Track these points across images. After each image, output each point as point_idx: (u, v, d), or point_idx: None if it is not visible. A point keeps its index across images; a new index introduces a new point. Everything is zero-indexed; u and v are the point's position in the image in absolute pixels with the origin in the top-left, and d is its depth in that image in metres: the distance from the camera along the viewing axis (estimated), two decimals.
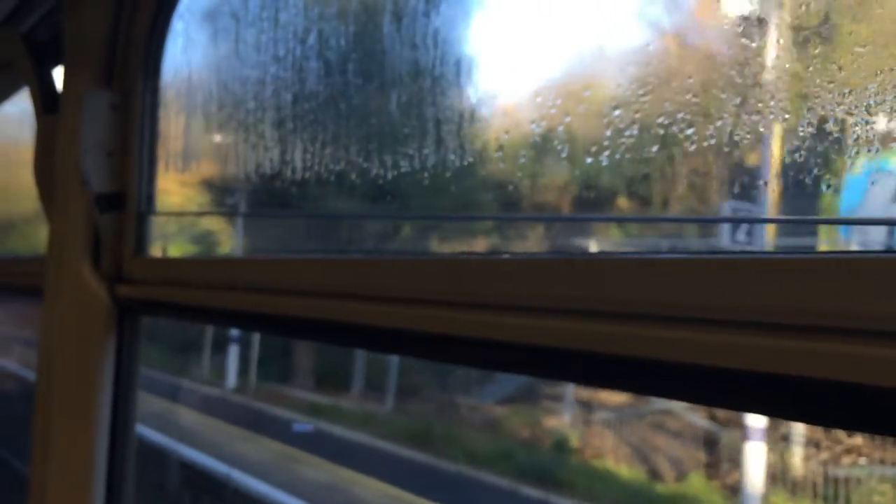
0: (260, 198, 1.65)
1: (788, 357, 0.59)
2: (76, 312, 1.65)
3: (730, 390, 0.65)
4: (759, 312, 0.61)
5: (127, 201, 1.61)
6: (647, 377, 0.70)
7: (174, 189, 1.88)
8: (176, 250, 1.88)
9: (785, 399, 0.61)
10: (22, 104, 2.38)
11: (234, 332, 8.86)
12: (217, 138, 1.69)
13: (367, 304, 1.02)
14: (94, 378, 1.62)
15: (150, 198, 1.61)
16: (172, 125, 1.71)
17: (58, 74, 1.88)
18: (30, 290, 2.06)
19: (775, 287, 0.60)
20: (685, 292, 0.66)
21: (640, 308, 0.68)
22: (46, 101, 1.83)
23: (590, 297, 0.73)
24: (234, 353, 10.08)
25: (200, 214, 1.95)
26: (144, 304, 1.61)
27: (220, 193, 1.87)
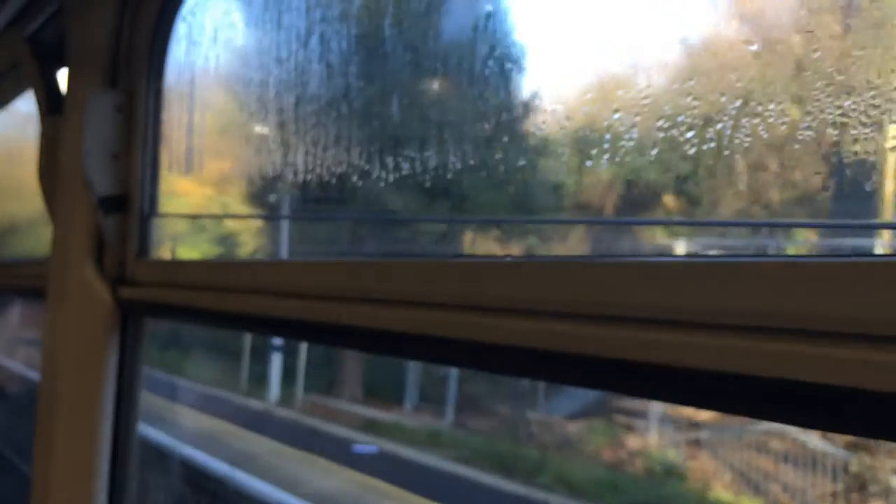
0: (310, 196, 1.50)
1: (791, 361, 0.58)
2: (79, 314, 1.65)
3: (742, 395, 0.64)
4: (781, 318, 0.60)
5: (130, 203, 1.61)
6: (661, 382, 0.69)
7: (195, 190, 1.83)
8: (194, 252, 1.87)
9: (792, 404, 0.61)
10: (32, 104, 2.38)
11: (277, 340, 8.42)
12: (258, 132, 1.58)
13: (375, 308, 1.01)
14: (97, 379, 1.63)
15: (153, 200, 1.61)
16: (199, 120, 1.67)
17: (62, 76, 1.89)
18: (34, 292, 2.06)
19: (787, 291, 0.60)
20: (696, 296, 0.65)
21: (650, 312, 0.68)
22: (50, 102, 1.83)
23: (593, 301, 0.73)
24: (276, 362, 9.43)
25: (209, 217, 1.94)
26: (147, 305, 1.61)
27: (260, 193, 1.73)
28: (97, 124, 1.59)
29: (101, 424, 1.64)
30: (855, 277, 0.56)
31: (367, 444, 7.46)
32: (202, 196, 1.94)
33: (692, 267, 0.66)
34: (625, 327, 0.69)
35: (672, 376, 0.66)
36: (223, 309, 1.40)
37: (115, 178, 1.59)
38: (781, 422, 0.65)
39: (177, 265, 1.63)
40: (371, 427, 7.94)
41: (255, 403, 9.09)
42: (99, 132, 1.59)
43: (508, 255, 0.94)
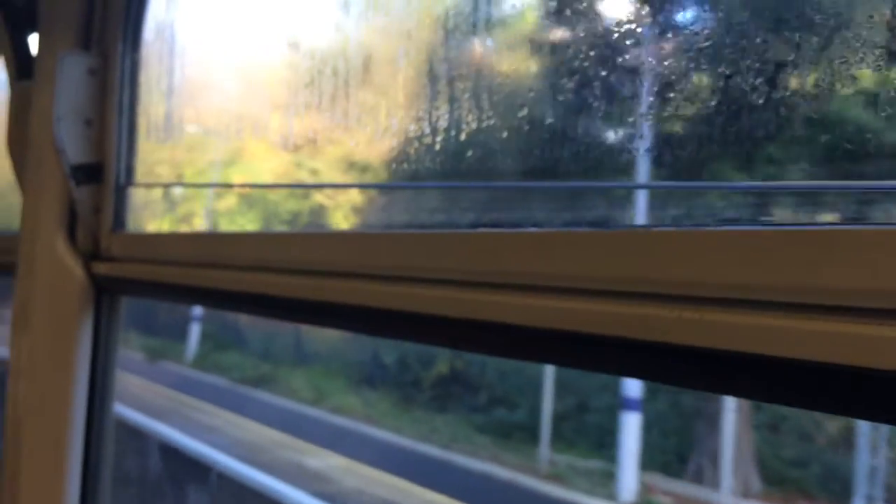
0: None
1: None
2: (51, 291, 1.56)
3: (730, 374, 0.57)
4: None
5: (105, 173, 1.51)
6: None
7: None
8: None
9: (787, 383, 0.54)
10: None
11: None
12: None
13: (360, 283, 0.94)
14: (69, 360, 1.54)
15: (129, 169, 1.52)
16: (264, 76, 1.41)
17: (33, 40, 1.78)
18: (2, 268, 1.97)
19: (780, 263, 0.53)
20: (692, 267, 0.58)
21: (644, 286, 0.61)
22: (20, 66, 1.73)
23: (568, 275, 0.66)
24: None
25: (188, 186, 1.81)
26: (123, 282, 1.52)
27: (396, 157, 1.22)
28: (69, 88, 1.49)
29: (73, 406, 1.56)
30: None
31: None
32: (282, 162, 1.54)
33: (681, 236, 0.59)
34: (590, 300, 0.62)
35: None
36: (204, 286, 1.31)
37: (89, 145, 1.50)
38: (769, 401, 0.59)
39: (154, 239, 1.55)
40: None
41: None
42: (71, 97, 1.49)
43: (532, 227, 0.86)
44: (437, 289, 0.79)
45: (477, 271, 0.75)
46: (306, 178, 1.36)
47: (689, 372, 0.61)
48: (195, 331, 11.75)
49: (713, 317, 0.59)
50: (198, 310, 10.56)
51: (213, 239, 1.42)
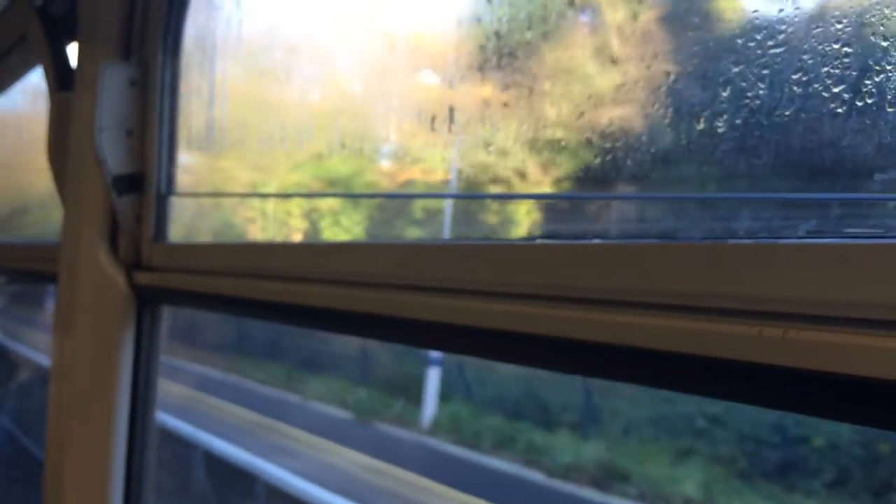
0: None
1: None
2: (92, 301, 1.56)
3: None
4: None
5: (146, 183, 1.51)
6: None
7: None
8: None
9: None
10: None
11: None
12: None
13: (411, 294, 0.92)
14: (111, 369, 1.54)
15: (170, 179, 1.52)
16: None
17: (73, 50, 1.79)
18: (45, 277, 1.98)
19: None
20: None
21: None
22: (60, 77, 1.74)
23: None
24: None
25: (232, 196, 1.80)
26: (165, 292, 1.52)
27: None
28: (110, 99, 1.49)
29: (116, 415, 1.56)
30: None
31: None
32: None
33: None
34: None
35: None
36: (246, 296, 1.30)
37: (130, 155, 1.50)
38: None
39: (195, 249, 1.54)
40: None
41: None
42: (112, 107, 1.49)
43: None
44: (495, 302, 0.77)
45: (539, 284, 0.72)
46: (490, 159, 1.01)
47: (771, 392, 0.59)
48: (433, 380, 7.41)
49: (797, 335, 0.56)
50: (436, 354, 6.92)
51: (254, 249, 1.41)
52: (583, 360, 0.69)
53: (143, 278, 1.51)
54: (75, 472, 1.62)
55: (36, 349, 4.47)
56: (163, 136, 1.50)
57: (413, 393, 7.39)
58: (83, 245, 1.57)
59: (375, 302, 0.98)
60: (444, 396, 7.43)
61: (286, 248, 1.34)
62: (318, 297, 1.11)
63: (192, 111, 1.54)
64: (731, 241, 0.61)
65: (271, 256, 1.28)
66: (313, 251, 1.22)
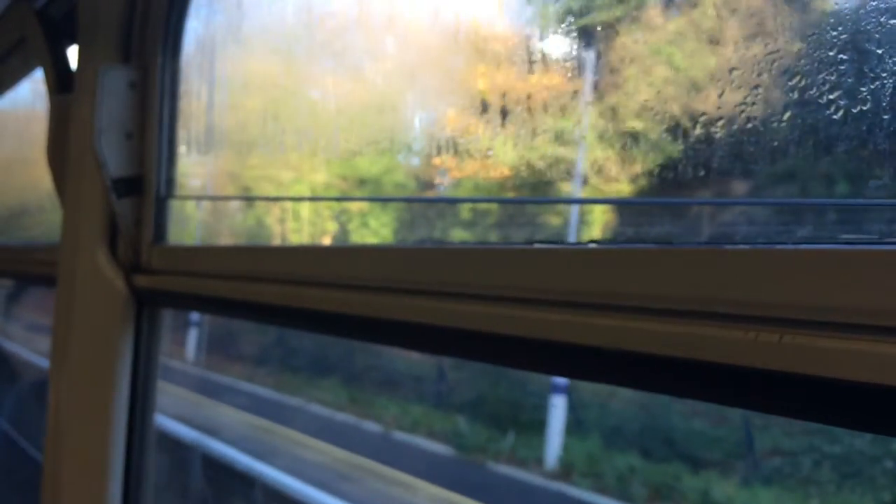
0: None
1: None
2: (91, 303, 1.56)
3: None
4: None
5: (146, 185, 1.51)
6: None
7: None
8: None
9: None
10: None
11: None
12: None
13: (410, 299, 0.92)
14: (109, 372, 1.54)
15: (170, 182, 1.52)
16: None
17: (72, 53, 1.79)
18: (43, 279, 1.98)
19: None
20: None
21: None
22: (60, 79, 1.74)
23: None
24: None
25: (234, 199, 1.81)
26: (164, 295, 1.52)
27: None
28: (110, 101, 1.50)
29: (114, 418, 1.56)
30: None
31: None
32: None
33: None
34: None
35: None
36: (245, 299, 1.30)
37: (130, 158, 1.50)
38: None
39: (195, 252, 1.54)
40: None
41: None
42: (112, 110, 1.49)
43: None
44: (491, 306, 0.77)
45: (537, 288, 0.72)
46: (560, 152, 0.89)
47: (767, 396, 0.59)
48: (558, 410, 5.78)
49: (793, 340, 0.56)
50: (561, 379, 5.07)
51: (253, 252, 1.41)
52: (578, 364, 0.69)
53: (142, 281, 1.51)
54: (73, 475, 1.61)
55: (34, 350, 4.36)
56: (162, 138, 1.50)
57: (515, 423, 5.87)
58: (82, 247, 1.57)
59: (376, 305, 0.98)
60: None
61: (285, 252, 1.34)
62: (318, 300, 1.11)
63: (222, 104, 1.52)
64: (728, 247, 0.61)
65: (270, 259, 1.28)
66: (313, 254, 1.22)
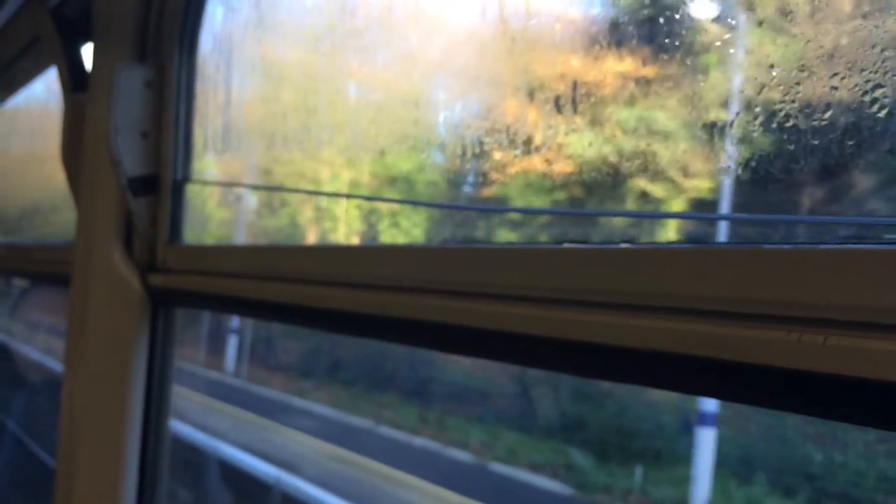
0: None
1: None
2: (106, 302, 1.55)
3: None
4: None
5: (162, 184, 1.51)
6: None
7: None
8: None
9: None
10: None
11: None
12: None
13: (428, 298, 0.91)
14: (124, 371, 1.53)
15: (186, 180, 1.51)
16: None
17: (87, 52, 1.79)
18: (58, 278, 1.98)
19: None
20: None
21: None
22: (75, 78, 1.73)
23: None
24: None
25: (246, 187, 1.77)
26: (179, 294, 1.51)
27: None
28: (125, 100, 1.49)
29: (129, 418, 1.55)
30: None
31: None
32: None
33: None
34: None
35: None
36: (260, 298, 1.29)
37: (145, 157, 1.49)
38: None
39: (210, 251, 1.53)
40: None
41: None
42: (127, 109, 1.48)
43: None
44: (520, 306, 0.76)
45: (568, 289, 0.71)
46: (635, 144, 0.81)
47: (811, 399, 0.57)
48: (706, 445, 4.23)
49: (840, 342, 0.54)
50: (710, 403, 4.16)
51: (268, 251, 1.40)
52: (616, 366, 0.68)
53: (157, 280, 1.50)
54: (87, 478, 1.60)
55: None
56: (178, 137, 1.49)
57: (636, 454, 4.85)
58: (97, 246, 1.56)
59: (391, 305, 0.97)
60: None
61: (300, 251, 1.33)
62: (333, 299, 1.10)
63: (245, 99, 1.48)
64: (769, 246, 0.59)
65: (286, 259, 1.27)
66: (327, 254, 1.21)
